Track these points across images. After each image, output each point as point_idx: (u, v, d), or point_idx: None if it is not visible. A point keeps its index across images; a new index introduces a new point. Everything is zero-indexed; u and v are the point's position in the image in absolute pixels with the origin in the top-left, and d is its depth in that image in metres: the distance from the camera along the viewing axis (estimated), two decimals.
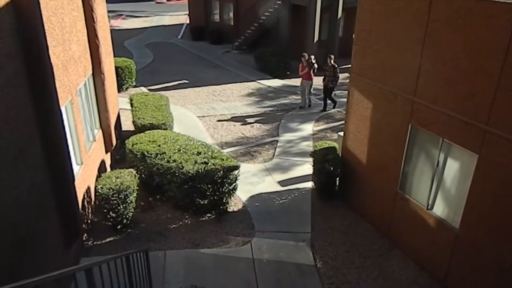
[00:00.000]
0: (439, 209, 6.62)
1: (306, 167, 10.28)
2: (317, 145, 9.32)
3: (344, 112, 9.32)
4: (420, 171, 6.90)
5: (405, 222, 7.29)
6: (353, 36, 8.08)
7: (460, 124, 5.80)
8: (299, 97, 15.57)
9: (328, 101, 14.62)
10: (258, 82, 17.80)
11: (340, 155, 8.96)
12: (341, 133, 9.28)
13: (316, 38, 18.63)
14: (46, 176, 5.68)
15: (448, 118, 5.98)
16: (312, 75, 14.41)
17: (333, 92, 14.41)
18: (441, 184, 6.50)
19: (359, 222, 8.34)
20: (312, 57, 14.58)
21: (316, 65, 14.50)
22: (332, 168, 8.59)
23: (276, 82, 17.92)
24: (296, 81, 18.09)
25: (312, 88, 14.79)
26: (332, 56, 13.96)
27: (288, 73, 18.70)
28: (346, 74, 14.33)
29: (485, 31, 5.29)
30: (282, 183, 9.78)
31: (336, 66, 13.79)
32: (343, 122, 9.81)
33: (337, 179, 9.07)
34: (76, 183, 6.64)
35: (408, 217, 7.19)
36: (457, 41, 5.69)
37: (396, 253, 7.45)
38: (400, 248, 7.50)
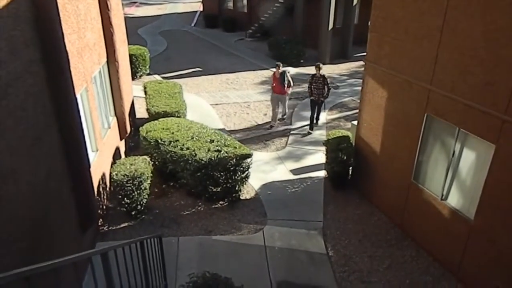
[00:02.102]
0: (453, 199, 6.55)
1: (319, 156, 10.25)
2: (331, 134, 9.27)
3: (358, 101, 9.22)
4: (435, 161, 6.81)
5: (419, 212, 7.24)
6: (369, 23, 7.94)
7: (478, 113, 5.69)
8: None
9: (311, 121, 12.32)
10: (271, 70, 17.66)
11: (353, 144, 8.90)
12: (355, 122, 9.21)
13: (330, 26, 18.37)
14: (63, 163, 5.77)
15: (465, 108, 5.87)
16: (285, 89, 12.01)
17: (323, 106, 12.18)
18: (456, 175, 6.42)
19: (372, 212, 8.31)
20: (289, 69, 13.00)
21: (291, 81, 12.22)
22: (345, 157, 8.55)
23: (289, 70, 17.76)
24: (310, 69, 17.98)
25: (286, 104, 12.62)
26: (321, 65, 11.67)
27: (302, 61, 18.56)
28: (361, 63, 14.17)
29: (505, 20, 5.15)
30: (294, 171, 9.78)
31: (326, 76, 11.63)
32: (357, 111, 9.73)
33: (350, 168, 9.02)
34: (92, 169, 6.74)
35: (421, 208, 7.14)
36: (476, 29, 5.55)
37: (409, 243, 7.42)
38: (412, 238, 7.46)
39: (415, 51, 6.73)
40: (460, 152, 6.26)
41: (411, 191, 7.33)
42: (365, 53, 8.08)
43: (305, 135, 11.76)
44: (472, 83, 5.72)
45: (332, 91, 15.40)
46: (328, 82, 11.60)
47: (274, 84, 12.03)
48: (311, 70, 17.86)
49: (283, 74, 11.86)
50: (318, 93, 11.61)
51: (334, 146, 8.69)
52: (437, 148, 6.76)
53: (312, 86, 11.62)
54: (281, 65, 12.14)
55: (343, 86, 16.01)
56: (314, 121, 12.05)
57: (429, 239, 7.09)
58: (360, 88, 8.60)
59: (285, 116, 12.82)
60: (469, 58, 5.70)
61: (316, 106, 11.83)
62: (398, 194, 7.64)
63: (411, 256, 7.12)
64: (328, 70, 18.05)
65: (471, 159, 6.15)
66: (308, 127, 12.14)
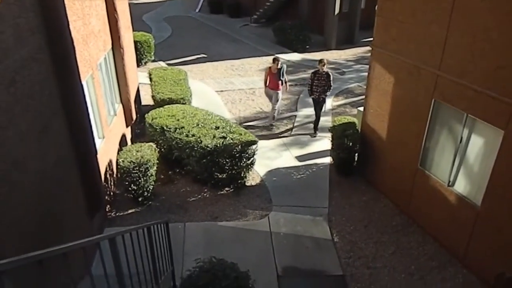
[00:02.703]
0: (460, 186, 6.53)
1: (324, 143, 10.23)
2: (336, 120, 9.23)
3: (365, 87, 9.15)
4: (442, 147, 6.77)
5: (425, 199, 7.23)
6: (376, 7, 7.82)
7: (487, 99, 5.62)
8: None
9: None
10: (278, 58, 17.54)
11: (359, 130, 8.86)
12: (361, 108, 9.15)
13: (337, 10, 18.13)
14: (70, 150, 5.81)
15: (474, 93, 5.80)
16: (281, 86, 11.04)
17: (324, 105, 10.81)
18: (464, 161, 6.38)
19: (378, 198, 8.32)
20: (285, 66, 11.30)
21: (286, 78, 11.15)
22: (351, 144, 8.52)
23: (295, 56, 17.65)
24: (316, 55, 17.82)
25: (279, 103, 11.39)
26: (325, 61, 10.53)
27: (307, 46, 18.38)
28: (368, 48, 14.01)
29: None
30: (300, 158, 9.78)
31: (330, 73, 10.48)
32: (363, 97, 9.66)
33: (356, 154, 9.00)
34: (99, 156, 6.78)
35: (428, 194, 7.13)
36: (488, 11, 5.45)
37: (415, 229, 7.43)
38: (419, 224, 7.47)
39: (423, 35, 6.63)
40: (468, 138, 6.21)
41: (418, 177, 7.31)
42: (372, 38, 7.98)
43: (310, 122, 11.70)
44: (482, 68, 5.63)
45: (338, 77, 15.31)
46: (331, 79, 10.43)
47: (268, 79, 10.95)
48: (316, 55, 17.76)
49: (280, 69, 10.83)
50: (320, 91, 10.37)
51: (340, 133, 8.66)
52: (444, 134, 6.71)
53: (314, 84, 10.38)
54: (280, 60, 11.20)
55: (349, 72, 15.87)
56: (316, 126, 10.91)
57: (435, 226, 7.10)
58: (366, 74, 8.51)
59: (274, 119, 11.43)
60: (480, 42, 5.61)
61: (318, 106, 10.66)
62: (404, 180, 7.63)
63: (417, 242, 7.14)
64: (334, 55, 17.92)
65: (479, 145, 6.11)
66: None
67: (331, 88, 10.59)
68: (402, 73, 7.24)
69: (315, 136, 10.76)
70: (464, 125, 6.16)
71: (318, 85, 10.36)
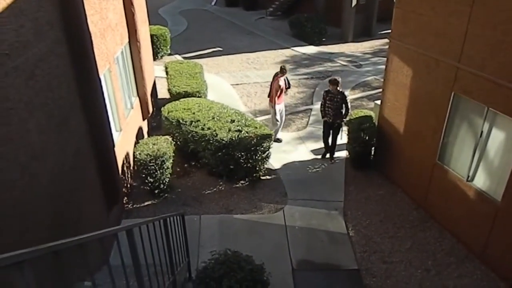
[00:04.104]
0: (480, 181, 6.40)
1: (340, 137, 10.14)
2: (353, 113, 9.13)
3: (382, 80, 9.01)
4: (462, 141, 6.64)
5: (443, 194, 7.12)
6: None
7: (508, 92, 5.47)
8: (334, 64, 15.05)
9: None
10: (292, 49, 17.44)
11: (376, 124, 8.75)
12: (378, 102, 9.03)
13: (354, 2, 17.85)
14: (88, 142, 5.90)
15: (495, 86, 5.66)
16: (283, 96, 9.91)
17: (341, 131, 9.27)
18: (484, 155, 6.25)
19: (394, 193, 8.22)
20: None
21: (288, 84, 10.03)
22: (367, 137, 8.44)
23: (311, 49, 17.50)
24: (332, 48, 17.63)
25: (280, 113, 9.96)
26: (339, 80, 8.81)
27: (323, 39, 18.19)
28: (385, 40, 13.79)
29: None
30: (315, 151, 9.72)
31: (345, 93, 8.91)
32: (380, 90, 9.53)
33: (372, 148, 8.91)
34: (116, 149, 6.87)
35: (446, 189, 7.01)
36: (510, 2, 5.29)
37: (432, 224, 7.33)
38: (436, 219, 7.37)
39: (442, 27, 6.48)
40: (489, 132, 6.07)
41: (436, 172, 7.19)
42: (389, 31, 7.84)
43: None
44: (504, 60, 5.48)
45: (355, 70, 15.12)
46: (348, 101, 8.83)
47: (278, 92, 9.59)
48: (333, 48, 17.59)
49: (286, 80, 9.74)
50: (334, 113, 8.80)
51: (356, 126, 8.57)
52: (464, 128, 6.58)
53: (326, 104, 8.91)
54: (286, 67, 9.88)
55: (366, 65, 15.67)
56: (329, 154, 9.37)
57: (453, 221, 6.98)
58: (383, 66, 8.39)
59: (278, 133, 10.09)
60: (501, 34, 5.45)
61: (331, 130, 9.10)
62: (422, 174, 7.52)
63: (434, 237, 7.05)
64: (351, 48, 17.69)
65: (500, 140, 5.96)
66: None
67: (349, 111, 8.86)
68: (421, 65, 7.11)
69: (333, 163, 9.24)
70: (484, 119, 6.02)
71: (331, 107, 8.83)
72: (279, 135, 10.19)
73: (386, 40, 8.57)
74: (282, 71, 9.64)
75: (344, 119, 8.90)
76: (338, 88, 8.75)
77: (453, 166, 6.85)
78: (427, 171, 7.36)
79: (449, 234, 7.06)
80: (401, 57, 7.59)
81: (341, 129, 9.13)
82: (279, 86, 9.54)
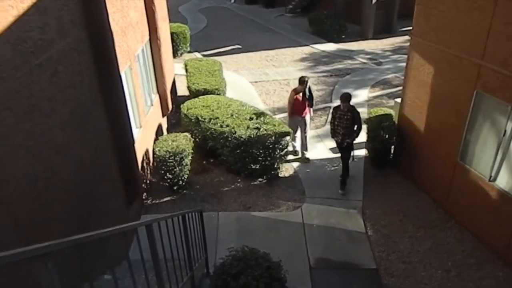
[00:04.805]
0: (503, 180, 6.24)
1: (360, 135, 10.02)
2: (372, 112, 9.03)
3: (402, 77, 8.87)
4: (484, 140, 6.49)
5: (464, 194, 6.97)
6: None
7: None
8: (353, 61, 14.81)
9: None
10: (311, 47, 17.32)
11: (396, 122, 8.63)
12: (398, 100, 8.90)
13: None
14: (109, 138, 6.02)
15: None
16: (308, 109, 9.02)
17: (352, 153, 8.14)
18: (507, 155, 6.08)
19: (414, 192, 8.10)
20: (310, 83, 8.88)
21: (313, 94, 9.17)
22: (387, 136, 8.32)
23: (330, 46, 17.35)
24: (352, 45, 17.43)
25: (308, 126, 9.26)
26: (350, 95, 7.89)
27: (343, 36, 18.00)
28: (406, 37, 13.55)
29: None
30: (334, 150, 9.63)
31: (356, 109, 7.85)
32: (400, 88, 9.38)
33: (392, 147, 8.79)
34: (136, 145, 6.98)
35: (467, 189, 6.86)
36: None
37: (453, 225, 7.19)
38: (457, 220, 7.22)
39: (465, 24, 6.33)
40: None
41: (457, 171, 7.05)
42: (411, 27, 7.71)
43: None
44: None
45: (375, 67, 14.92)
46: (360, 117, 7.76)
47: (294, 104, 8.83)
48: (353, 46, 17.39)
49: (307, 89, 8.74)
50: (344, 132, 7.77)
51: (376, 125, 8.47)
52: (486, 127, 6.42)
53: (335, 123, 7.92)
54: (306, 78, 8.78)
55: (386, 62, 15.44)
56: (344, 179, 8.24)
57: (475, 221, 6.84)
58: (404, 64, 8.25)
59: (306, 153, 9.26)
60: None
61: (342, 152, 8.18)
62: (443, 174, 7.38)
63: (455, 238, 6.92)
64: (371, 45, 17.46)
65: None
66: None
67: (361, 129, 7.84)
68: (443, 63, 6.97)
69: (343, 194, 8.13)
70: (508, 118, 5.86)
71: (340, 125, 7.82)
72: (306, 152, 9.30)
73: (407, 37, 8.41)
74: (301, 81, 8.75)
75: (355, 137, 7.86)
76: (346, 103, 7.69)
77: (475, 165, 6.70)
78: (448, 171, 7.22)
79: (470, 234, 6.92)
80: (422, 54, 7.45)
81: (352, 150, 8.07)
82: (294, 92, 8.83)
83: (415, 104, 7.90)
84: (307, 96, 8.80)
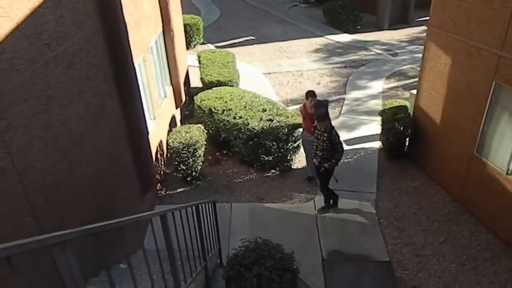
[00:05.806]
0: None
1: (374, 126, 9.94)
2: (387, 103, 8.92)
3: (418, 69, 8.73)
4: (502, 133, 6.36)
5: (480, 187, 6.87)
6: None
7: None
8: (368, 52, 14.62)
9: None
10: (326, 38, 17.14)
11: (411, 114, 8.51)
12: (414, 91, 8.77)
13: None
14: (123, 130, 6.08)
15: None
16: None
17: (332, 177, 7.05)
18: None
19: (429, 185, 8.01)
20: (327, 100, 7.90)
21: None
22: (402, 128, 8.23)
23: (345, 37, 17.14)
24: (367, 36, 17.19)
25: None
26: (324, 111, 6.64)
27: (358, 27, 17.76)
28: (423, 28, 13.30)
29: None
30: (348, 142, 9.58)
31: (334, 129, 6.59)
32: (416, 79, 9.24)
33: (407, 139, 8.69)
34: (150, 136, 7.04)
35: (484, 182, 6.76)
36: None
37: (468, 218, 7.10)
38: (472, 213, 7.13)
39: (484, 14, 6.18)
40: None
41: (473, 164, 6.94)
42: (428, 17, 7.56)
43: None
44: None
45: (390, 58, 14.70)
46: (337, 140, 6.52)
47: (305, 121, 7.76)
48: (368, 36, 17.16)
49: (322, 104, 7.11)
50: (322, 155, 6.70)
51: (391, 116, 8.37)
52: (505, 119, 6.29)
53: (314, 142, 6.91)
54: (315, 96, 7.64)
55: (402, 53, 15.20)
56: (324, 202, 7.41)
57: (491, 215, 6.74)
58: (420, 55, 8.12)
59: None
60: None
61: (318, 176, 7.23)
62: (459, 167, 7.27)
63: (470, 232, 6.84)
64: (386, 36, 17.20)
65: None
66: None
67: (341, 154, 6.61)
68: (460, 54, 6.83)
69: (320, 211, 7.34)
70: None
71: (318, 147, 6.78)
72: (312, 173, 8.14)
73: (424, 28, 8.26)
74: (307, 96, 7.67)
75: (334, 164, 6.68)
76: (324, 123, 6.51)
77: (492, 158, 6.58)
78: (464, 164, 7.11)
79: (485, 228, 6.83)
80: (440, 45, 7.31)
81: (331, 176, 6.96)
82: (304, 106, 7.82)
83: (431, 95, 7.78)
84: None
